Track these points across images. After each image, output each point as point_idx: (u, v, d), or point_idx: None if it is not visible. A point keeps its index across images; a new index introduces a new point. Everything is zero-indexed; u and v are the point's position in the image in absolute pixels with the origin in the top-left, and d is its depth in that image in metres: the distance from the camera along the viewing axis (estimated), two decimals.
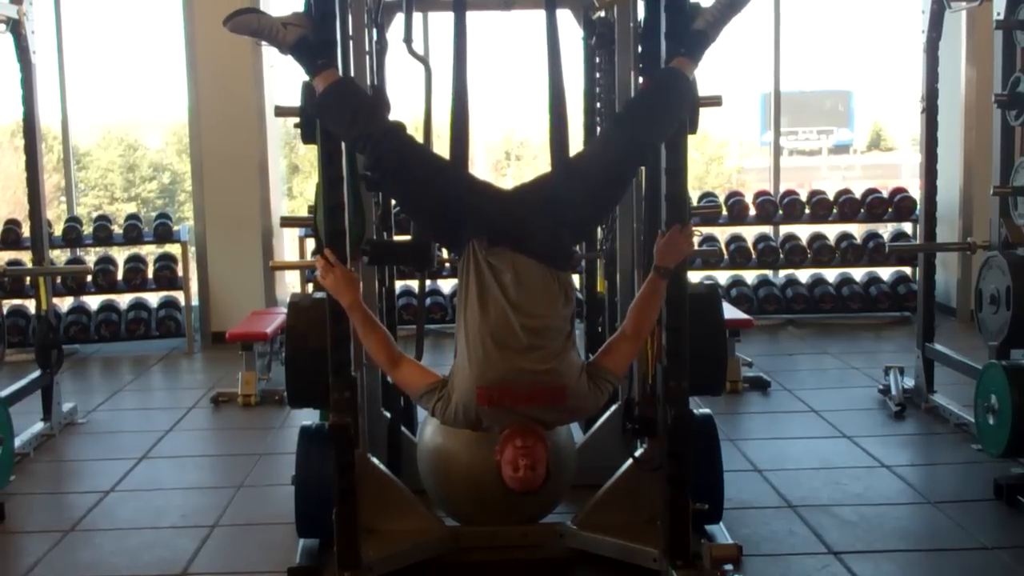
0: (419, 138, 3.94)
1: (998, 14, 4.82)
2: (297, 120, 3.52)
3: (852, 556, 3.71)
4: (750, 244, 8.28)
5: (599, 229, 4.82)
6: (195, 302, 7.97)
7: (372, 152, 3.19)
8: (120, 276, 7.95)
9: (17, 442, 4.93)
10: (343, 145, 3.36)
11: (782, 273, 8.41)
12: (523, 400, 3.08)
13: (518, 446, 3.06)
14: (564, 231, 3.28)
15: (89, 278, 7.80)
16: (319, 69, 3.22)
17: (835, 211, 8.20)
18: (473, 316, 3.12)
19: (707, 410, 4.02)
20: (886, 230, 8.55)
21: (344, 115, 3.21)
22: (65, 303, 7.97)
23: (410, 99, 4.93)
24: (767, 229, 8.39)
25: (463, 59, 3.44)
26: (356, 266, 3.60)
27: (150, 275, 7.99)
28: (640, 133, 3.22)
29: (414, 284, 7.35)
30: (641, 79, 3.71)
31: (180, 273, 7.92)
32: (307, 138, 3.50)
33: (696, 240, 3.37)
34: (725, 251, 8.20)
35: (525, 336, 3.07)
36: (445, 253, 4.70)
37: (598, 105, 4.95)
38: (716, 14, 3.25)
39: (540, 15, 3.51)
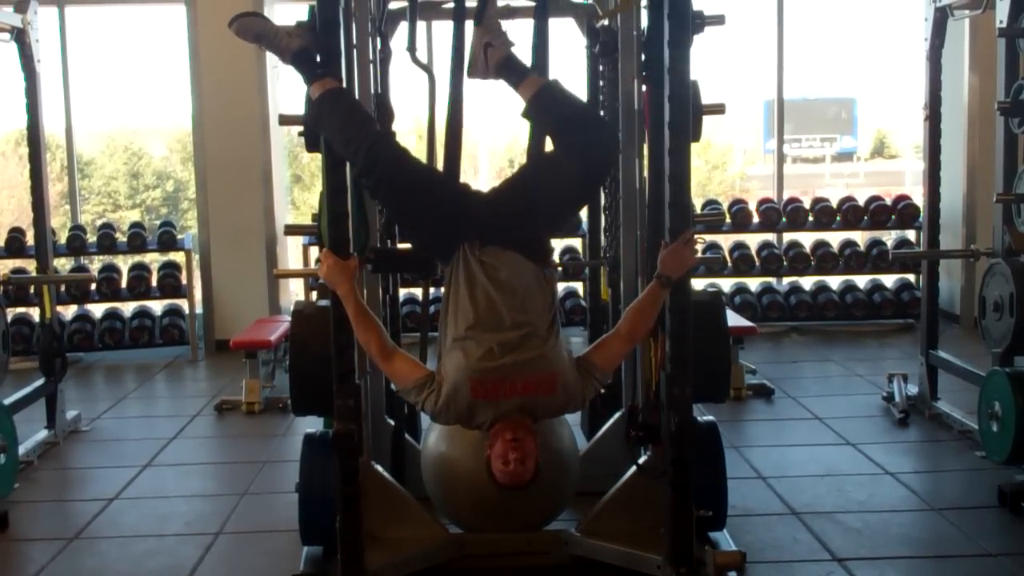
0: (423, 145, 3.98)
1: (1001, 22, 4.83)
2: (301, 128, 3.53)
3: (856, 563, 3.71)
4: (753, 251, 8.27)
5: (602, 236, 4.83)
6: (199, 310, 7.97)
7: (364, 158, 3.20)
8: (124, 284, 7.95)
9: (21, 450, 4.93)
10: None
11: (786, 280, 8.40)
12: (516, 392, 3.12)
13: (508, 439, 3.10)
14: (538, 221, 3.30)
15: (93, 286, 7.80)
16: (317, 78, 3.24)
17: (839, 218, 8.19)
18: (464, 308, 3.17)
19: (711, 417, 4.02)
20: (890, 237, 8.55)
21: (336, 120, 3.22)
22: (69, 311, 7.96)
23: (414, 107, 4.95)
24: (771, 236, 8.38)
25: (461, 69, 3.46)
26: (360, 274, 3.60)
27: (154, 283, 7.98)
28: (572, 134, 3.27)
29: (418, 292, 7.36)
30: (644, 87, 3.71)
31: (184, 281, 7.91)
32: (311, 146, 3.51)
33: (699, 248, 3.37)
34: (729, 258, 8.21)
35: (512, 320, 3.13)
36: None
37: (601, 113, 4.95)
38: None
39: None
